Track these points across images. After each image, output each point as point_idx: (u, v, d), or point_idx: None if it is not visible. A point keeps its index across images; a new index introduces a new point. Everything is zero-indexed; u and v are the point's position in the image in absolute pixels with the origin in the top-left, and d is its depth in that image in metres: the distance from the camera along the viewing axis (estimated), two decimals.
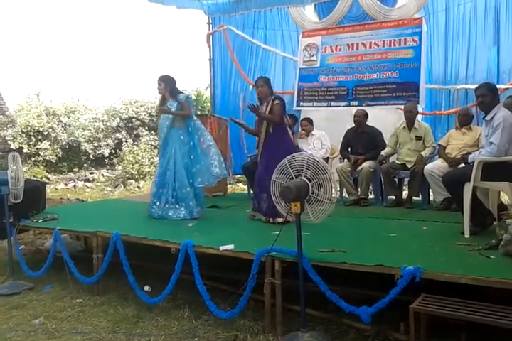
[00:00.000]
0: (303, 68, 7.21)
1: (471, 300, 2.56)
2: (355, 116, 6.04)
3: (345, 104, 6.89)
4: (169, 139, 4.91)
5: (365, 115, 6.08)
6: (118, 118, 14.15)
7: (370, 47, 6.70)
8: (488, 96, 3.78)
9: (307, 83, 7.16)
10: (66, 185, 13.07)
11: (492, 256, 2.96)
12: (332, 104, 7.01)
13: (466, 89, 6.15)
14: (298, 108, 7.16)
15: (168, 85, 4.92)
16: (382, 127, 6.27)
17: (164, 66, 29.79)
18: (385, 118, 6.91)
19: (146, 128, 14.01)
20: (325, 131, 6.61)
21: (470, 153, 4.17)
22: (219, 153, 4.94)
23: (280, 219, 4.21)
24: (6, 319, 3.61)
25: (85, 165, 14.41)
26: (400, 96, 6.45)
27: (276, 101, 4.52)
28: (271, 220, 4.44)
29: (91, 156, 14.20)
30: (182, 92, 5.07)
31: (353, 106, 6.69)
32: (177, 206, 4.81)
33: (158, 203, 4.87)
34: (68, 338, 3.21)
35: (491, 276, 2.53)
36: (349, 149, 6.15)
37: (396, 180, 5.71)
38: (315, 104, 7.13)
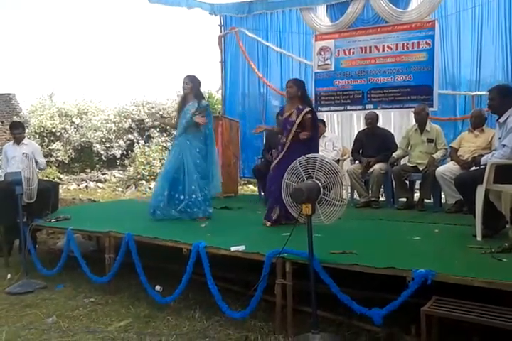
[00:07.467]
0: (318, 72, 7.23)
1: (484, 304, 2.55)
2: (367, 119, 6.03)
3: (360, 107, 6.92)
4: (179, 141, 4.89)
5: (377, 117, 6.07)
6: (130, 120, 14.26)
7: (384, 50, 6.71)
8: (495, 99, 3.76)
9: (323, 88, 7.19)
10: (78, 185, 13.19)
11: (504, 259, 2.94)
12: (348, 107, 7.05)
13: (473, 95, 6.12)
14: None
15: (195, 86, 4.84)
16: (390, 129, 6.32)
17: (176, 68, 29.93)
18: (394, 120, 6.92)
19: (158, 129, 14.09)
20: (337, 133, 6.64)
21: (482, 156, 4.14)
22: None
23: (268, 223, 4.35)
24: (19, 317, 3.66)
25: (97, 166, 14.52)
26: (414, 99, 6.45)
27: (309, 116, 4.34)
28: (267, 224, 4.40)
29: (103, 157, 14.32)
30: (204, 98, 5.03)
31: (368, 109, 6.69)
32: (188, 210, 4.80)
33: (162, 204, 4.80)
34: (80, 337, 3.24)
35: (503, 279, 2.51)
36: (360, 151, 6.14)
37: (407, 182, 5.68)
38: (332, 108, 7.19)
